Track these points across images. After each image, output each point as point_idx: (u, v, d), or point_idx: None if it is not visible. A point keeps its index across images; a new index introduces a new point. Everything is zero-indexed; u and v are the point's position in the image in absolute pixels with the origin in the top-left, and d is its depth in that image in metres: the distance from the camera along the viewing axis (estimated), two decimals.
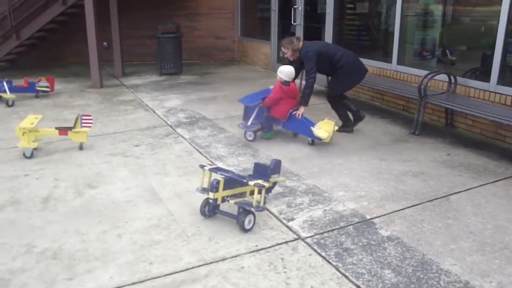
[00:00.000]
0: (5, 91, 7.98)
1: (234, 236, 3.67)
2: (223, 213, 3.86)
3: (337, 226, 3.84)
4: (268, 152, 5.49)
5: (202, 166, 3.90)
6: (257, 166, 4.11)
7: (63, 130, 5.57)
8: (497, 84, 5.88)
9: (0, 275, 3.18)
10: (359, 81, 6.35)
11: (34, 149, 5.41)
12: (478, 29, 6.78)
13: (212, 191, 3.63)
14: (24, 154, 5.38)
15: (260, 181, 3.64)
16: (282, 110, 5.76)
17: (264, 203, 3.82)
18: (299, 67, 5.96)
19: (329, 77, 6.53)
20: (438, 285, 3.08)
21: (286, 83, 5.71)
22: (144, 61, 12.22)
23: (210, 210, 3.87)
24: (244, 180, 3.66)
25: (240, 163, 5.18)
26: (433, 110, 6.69)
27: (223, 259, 3.35)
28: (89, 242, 3.59)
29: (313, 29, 9.98)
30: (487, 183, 4.66)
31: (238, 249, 3.49)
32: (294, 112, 5.75)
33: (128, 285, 3.08)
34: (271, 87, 6.02)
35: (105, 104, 7.94)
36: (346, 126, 6.26)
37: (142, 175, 4.84)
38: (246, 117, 5.95)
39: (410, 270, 3.24)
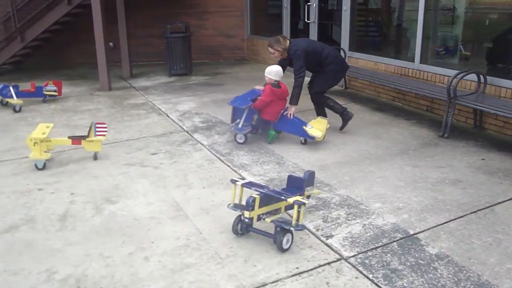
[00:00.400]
0: (11, 97, 7.69)
1: (272, 257, 3.38)
2: (257, 231, 3.58)
3: (380, 243, 3.55)
4: (293, 160, 5.20)
5: (234, 181, 3.61)
6: (290, 178, 3.82)
7: (76, 140, 5.27)
8: None
9: None
10: (342, 77, 6.26)
11: (47, 160, 5.13)
12: None
13: (248, 210, 3.34)
14: (36, 166, 5.10)
15: (299, 198, 3.35)
16: (273, 112, 5.64)
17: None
18: (283, 64, 5.83)
19: (312, 74, 6.26)
20: None
21: (277, 85, 5.60)
22: (151, 61, 11.92)
23: (243, 228, 3.59)
24: (283, 197, 3.37)
25: (265, 172, 4.89)
26: (459, 111, 6.39)
27: (263, 285, 3.07)
28: (114, 266, 3.31)
29: (328, 27, 9.69)
30: None
31: (278, 272, 3.20)
32: (286, 112, 5.66)
33: None
34: (257, 87, 5.95)
35: (115, 109, 7.65)
36: (345, 116, 6.08)
37: (163, 188, 4.55)
38: (234, 119, 5.83)
39: None
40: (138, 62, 11.26)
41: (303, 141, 5.70)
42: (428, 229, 3.75)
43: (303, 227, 3.41)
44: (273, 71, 5.57)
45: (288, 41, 5.76)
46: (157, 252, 3.46)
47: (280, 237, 3.36)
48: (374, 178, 4.73)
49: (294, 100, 5.71)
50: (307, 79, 5.98)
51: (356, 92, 8.38)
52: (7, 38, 10.55)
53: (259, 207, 3.40)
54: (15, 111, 7.59)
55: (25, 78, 10.16)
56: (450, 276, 3.15)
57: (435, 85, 6.67)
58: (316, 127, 5.54)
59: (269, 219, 3.46)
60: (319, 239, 3.62)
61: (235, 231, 3.61)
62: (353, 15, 8.45)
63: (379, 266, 3.27)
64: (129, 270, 3.26)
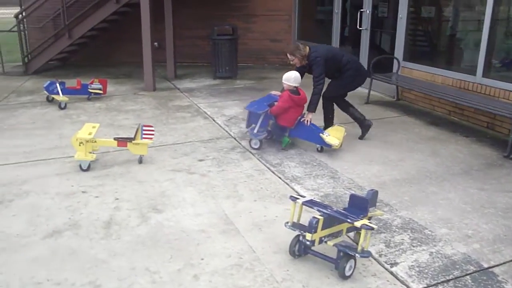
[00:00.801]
0: (57, 93, 7.63)
1: (333, 283, 3.09)
2: (316, 254, 3.29)
3: (451, 276, 3.21)
4: (348, 175, 4.89)
5: (294, 199, 3.33)
6: (353, 198, 3.51)
7: (122, 142, 5.10)
8: None
9: None
10: (361, 83, 6.07)
11: (91, 161, 4.97)
12: None
13: (310, 232, 3.06)
14: (80, 167, 4.94)
15: (366, 221, 3.05)
16: (290, 118, 5.53)
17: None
18: (301, 71, 5.68)
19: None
20: None
21: (295, 91, 5.49)
22: (195, 62, 11.78)
23: (301, 250, 3.30)
24: (349, 220, 3.07)
25: (319, 186, 4.60)
26: None
27: None
28: (161, 283, 3.08)
29: (376, 34, 9.32)
30: None
31: None
32: (303, 119, 5.56)
33: None
34: (273, 93, 5.90)
35: (160, 110, 7.48)
36: (363, 126, 6.01)
37: (212, 198, 4.30)
38: (249, 124, 5.76)
39: None
40: (182, 62, 11.13)
41: (319, 149, 5.57)
42: (504, 262, 3.38)
43: (369, 254, 3.10)
44: (292, 77, 5.45)
45: (308, 48, 5.62)
46: (207, 270, 3.21)
47: (343, 263, 3.07)
48: (437, 199, 4.37)
49: (312, 107, 5.60)
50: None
51: (408, 104, 7.99)
52: (55, 34, 10.58)
53: (322, 229, 3.11)
54: (60, 108, 7.52)
55: (71, 74, 10.18)
56: None
57: (499, 101, 6.25)
58: (333, 134, 5.42)
59: (332, 242, 3.17)
60: (383, 266, 3.31)
61: (292, 252, 3.33)
62: (408, 24, 8.06)
63: None
64: None
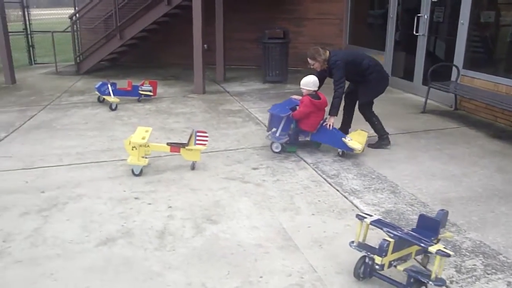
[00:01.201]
0: (109, 94, 7.64)
1: None
2: (383, 277, 3.06)
3: None
4: (410, 189, 4.63)
5: (361, 218, 3.12)
6: (422, 219, 3.27)
7: (175, 147, 4.99)
8: None
9: None
10: (386, 86, 5.93)
11: (144, 166, 4.88)
12: None
13: (380, 256, 2.84)
14: (132, 171, 4.86)
15: (442, 247, 2.81)
16: (312, 123, 5.49)
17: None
18: (322, 76, 5.68)
19: (353, 85, 6.03)
20: None
21: (316, 96, 5.46)
22: (243, 65, 11.68)
23: (366, 272, 3.09)
24: (422, 245, 2.84)
25: (380, 202, 4.36)
26: None
27: None
28: None
29: (434, 40, 8.95)
30: None
31: None
32: (325, 123, 5.54)
33: None
34: (294, 97, 5.85)
35: (210, 114, 7.37)
36: (382, 140, 5.86)
37: (268, 210, 4.13)
38: (270, 127, 5.66)
39: None
40: (231, 65, 11.04)
41: (340, 153, 5.50)
42: None
43: (443, 283, 2.85)
44: (310, 82, 5.43)
45: (328, 52, 5.57)
46: None
47: None
48: (509, 221, 4.06)
49: (334, 111, 5.55)
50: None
51: (467, 114, 7.61)
52: (107, 35, 10.68)
53: (392, 252, 2.89)
54: (111, 109, 7.52)
55: (120, 75, 10.26)
56: None
57: None
58: (356, 139, 5.39)
59: (401, 267, 2.94)
60: None
61: (357, 274, 3.12)
62: (471, 29, 7.68)
63: None
64: None
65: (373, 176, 4.94)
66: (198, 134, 4.95)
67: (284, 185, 4.66)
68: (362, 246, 3.10)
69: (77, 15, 11.22)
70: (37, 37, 13.16)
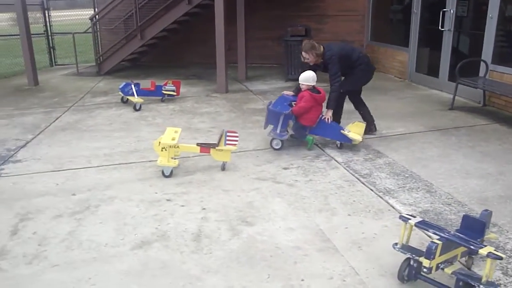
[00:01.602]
0: (132, 94, 7.63)
1: None
2: (428, 280, 2.97)
3: None
4: (445, 188, 4.52)
5: (405, 219, 3.03)
6: (466, 219, 3.17)
7: (205, 148, 4.94)
8: None
9: None
10: (369, 80, 6.14)
11: (174, 167, 4.83)
12: None
13: (428, 259, 2.75)
14: (163, 173, 4.82)
15: (492, 249, 2.71)
16: (311, 118, 5.56)
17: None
18: (314, 70, 5.73)
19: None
20: None
21: (315, 90, 5.53)
22: (265, 64, 11.61)
23: (411, 275, 3.00)
24: (472, 247, 2.74)
25: (416, 201, 4.25)
26: None
27: None
28: None
29: (458, 35, 8.77)
30: None
31: None
32: (323, 117, 5.62)
33: None
34: (285, 93, 6.03)
35: (235, 113, 7.32)
36: (368, 125, 6.05)
37: (303, 211, 4.05)
38: (266, 125, 5.75)
39: None
40: (252, 64, 10.97)
41: (339, 145, 5.65)
42: None
43: (495, 287, 2.75)
44: (310, 77, 5.51)
45: (322, 47, 5.69)
46: None
47: None
48: None
49: (332, 104, 5.70)
50: None
51: (497, 110, 7.44)
52: (127, 36, 10.67)
53: (439, 254, 2.80)
54: (135, 109, 7.50)
55: (141, 75, 10.26)
56: None
57: None
58: (354, 130, 5.52)
59: (449, 270, 2.84)
60: None
61: (401, 277, 3.03)
62: (500, 24, 7.51)
63: None
64: None
65: (406, 175, 4.84)
66: (228, 134, 4.89)
67: (317, 185, 4.58)
68: (406, 248, 3.02)
69: (97, 16, 11.23)
70: (56, 39, 13.22)
